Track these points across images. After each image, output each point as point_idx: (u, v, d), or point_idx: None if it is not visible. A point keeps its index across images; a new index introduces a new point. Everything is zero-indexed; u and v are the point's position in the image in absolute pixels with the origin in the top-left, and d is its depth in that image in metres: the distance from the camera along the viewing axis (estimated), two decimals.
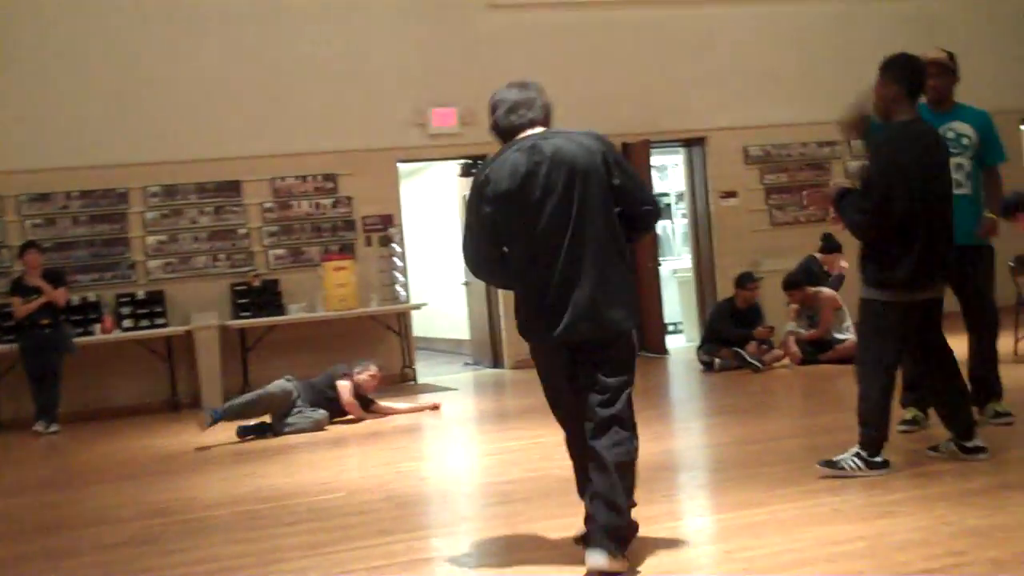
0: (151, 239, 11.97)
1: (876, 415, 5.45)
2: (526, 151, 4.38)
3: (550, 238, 4.30)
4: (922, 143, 5.51)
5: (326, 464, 7.48)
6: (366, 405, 9.43)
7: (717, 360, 10.72)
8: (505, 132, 4.52)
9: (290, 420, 8.92)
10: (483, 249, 4.48)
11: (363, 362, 9.54)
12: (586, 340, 4.32)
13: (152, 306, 11.71)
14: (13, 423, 10.92)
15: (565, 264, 4.29)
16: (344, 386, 9.22)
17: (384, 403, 9.60)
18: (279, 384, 9.08)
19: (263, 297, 11.95)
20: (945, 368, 5.63)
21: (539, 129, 4.51)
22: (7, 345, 10.84)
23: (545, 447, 7.10)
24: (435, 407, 9.66)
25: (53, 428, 10.46)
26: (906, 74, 5.56)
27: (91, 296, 11.62)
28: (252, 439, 8.73)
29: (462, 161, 13.23)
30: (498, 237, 4.42)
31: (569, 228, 4.29)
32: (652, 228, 4.76)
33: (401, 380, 12.28)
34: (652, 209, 4.55)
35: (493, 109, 4.56)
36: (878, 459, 5.44)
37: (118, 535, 5.74)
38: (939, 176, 5.53)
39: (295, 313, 11.82)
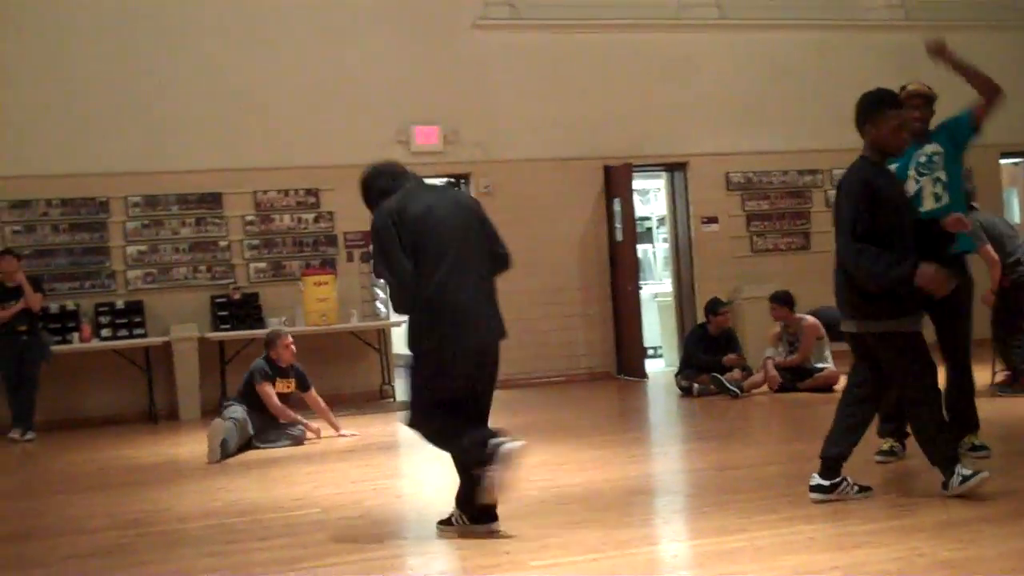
0: (131, 249, 11.94)
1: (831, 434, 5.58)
2: (433, 192, 5.41)
3: (459, 263, 5.16)
4: None
5: (302, 480, 7.43)
6: (304, 386, 9.25)
7: (695, 385, 10.71)
8: (387, 193, 5.29)
9: (269, 437, 8.86)
10: (405, 266, 5.11)
11: (275, 333, 9.30)
12: (493, 345, 5.25)
13: (131, 316, 11.67)
14: None
15: (473, 283, 5.18)
16: (267, 392, 8.95)
17: (319, 399, 9.36)
18: (233, 414, 8.77)
19: (243, 310, 11.92)
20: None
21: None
22: None
23: (525, 468, 7.06)
24: (342, 435, 9.26)
25: (29, 436, 10.39)
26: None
27: (70, 304, 11.57)
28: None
29: (445, 179, 13.23)
30: (415, 257, 5.12)
31: (472, 254, 5.23)
32: (504, 269, 5.47)
33: (380, 397, 12.26)
34: (505, 253, 5.44)
35: (373, 180, 5.38)
36: (825, 482, 5.48)
37: (90, 545, 5.70)
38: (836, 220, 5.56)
39: (275, 327, 11.76)
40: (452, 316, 5.11)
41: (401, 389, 12.64)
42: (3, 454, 9.80)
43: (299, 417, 9.15)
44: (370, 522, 5.82)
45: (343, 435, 9.25)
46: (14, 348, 10.50)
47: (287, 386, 9.18)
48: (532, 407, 10.70)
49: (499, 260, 5.41)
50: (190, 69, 12.15)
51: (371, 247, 5.31)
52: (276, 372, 9.10)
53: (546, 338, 12.93)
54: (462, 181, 13.14)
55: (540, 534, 5.20)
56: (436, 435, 5.27)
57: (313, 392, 9.37)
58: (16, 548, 5.80)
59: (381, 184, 5.36)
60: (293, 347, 9.21)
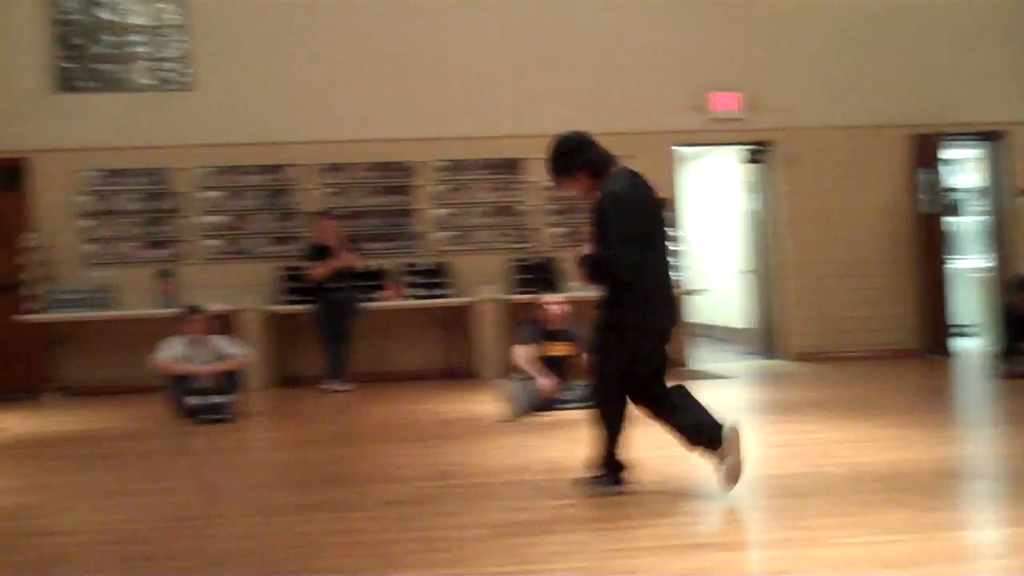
0: (437, 212, 12.43)
1: None
2: (637, 178, 5.65)
3: (659, 248, 5.60)
4: None
5: None
6: (584, 350, 8.98)
7: (1014, 366, 10.11)
8: (595, 166, 5.62)
9: (564, 395, 9.02)
10: (636, 253, 5.41)
11: (536, 297, 9.44)
12: (673, 327, 5.73)
13: (436, 276, 12.17)
14: (307, 380, 11.62)
15: (666, 269, 5.64)
16: (517, 354, 9.04)
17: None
18: (524, 376, 8.97)
19: (542, 273, 12.20)
20: None
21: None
22: (303, 306, 11.52)
23: (826, 443, 6.97)
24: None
25: (343, 387, 11.05)
26: None
27: (380, 264, 12.18)
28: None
29: (745, 147, 13.04)
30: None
31: (663, 242, 5.64)
32: None
33: (675, 365, 12.25)
34: None
35: (582, 148, 5.65)
36: None
37: (399, 493, 6.00)
38: None
39: (573, 291, 11.98)
40: (652, 297, 5.56)
41: (696, 357, 12.64)
42: (322, 404, 10.44)
43: (549, 379, 8.97)
44: (669, 488, 5.85)
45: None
46: (331, 303, 11.18)
47: (561, 349, 9.19)
48: (832, 382, 10.42)
49: None
50: (487, 40, 12.50)
51: (603, 215, 5.47)
52: (543, 335, 9.18)
53: (847, 311, 12.58)
54: (761, 148, 12.90)
55: (839, 511, 5.10)
56: (608, 403, 5.78)
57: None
58: (333, 491, 6.19)
59: (591, 156, 5.66)
60: (558, 308, 9.19)
